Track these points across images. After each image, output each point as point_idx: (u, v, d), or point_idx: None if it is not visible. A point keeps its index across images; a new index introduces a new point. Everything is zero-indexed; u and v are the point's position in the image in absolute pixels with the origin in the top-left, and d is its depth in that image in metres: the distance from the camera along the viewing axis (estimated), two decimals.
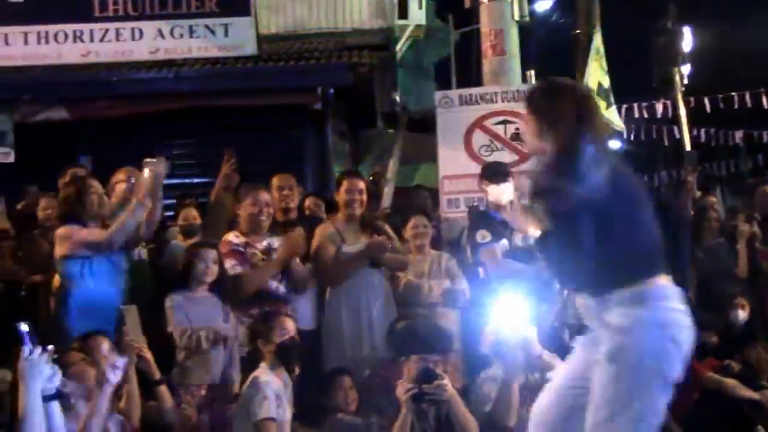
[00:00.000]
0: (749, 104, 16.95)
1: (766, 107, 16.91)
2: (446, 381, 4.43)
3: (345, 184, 5.52)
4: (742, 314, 5.98)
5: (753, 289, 6.32)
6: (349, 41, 11.05)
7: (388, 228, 5.68)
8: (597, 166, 2.87)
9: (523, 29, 9.41)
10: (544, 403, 3.08)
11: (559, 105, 3.04)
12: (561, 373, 3.15)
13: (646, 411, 2.84)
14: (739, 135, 20.41)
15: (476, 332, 4.81)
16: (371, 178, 8.64)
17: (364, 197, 5.54)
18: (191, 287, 4.88)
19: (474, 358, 5.08)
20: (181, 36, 9.72)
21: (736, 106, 16.99)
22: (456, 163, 7.19)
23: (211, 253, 4.93)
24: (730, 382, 5.35)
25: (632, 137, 18.30)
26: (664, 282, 2.96)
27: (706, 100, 16.78)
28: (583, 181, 2.82)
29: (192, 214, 6.10)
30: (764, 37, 24.37)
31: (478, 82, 8.64)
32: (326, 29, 11.81)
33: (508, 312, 4.34)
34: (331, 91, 9.29)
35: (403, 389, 4.40)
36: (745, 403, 5.28)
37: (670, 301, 2.94)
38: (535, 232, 3.11)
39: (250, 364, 4.61)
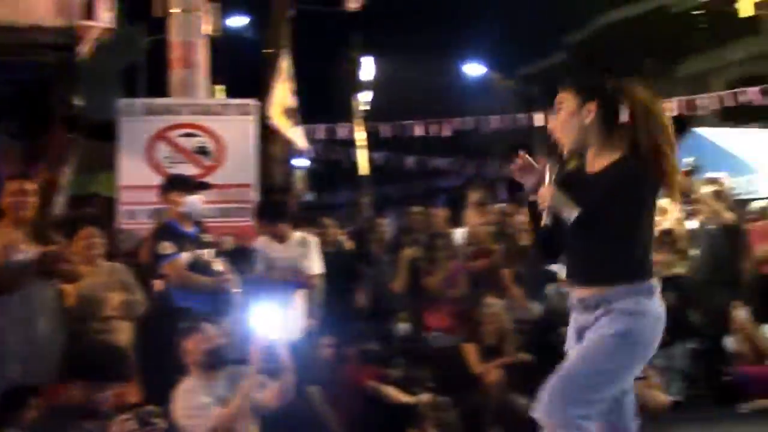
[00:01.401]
0: (422, 132, 18.43)
1: (434, 136, 18.50)
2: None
3: (11, 187, 5.16)
4: (404, 327, 6.50)
5: (413, 305, 6.87)
6: (28, 38, 10.32)
7: (58, 237, 5.40)
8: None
9: (214, 43, 9.43)
10: None
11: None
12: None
13: (616, 377, 3.15)
14: (412, 160, 22.16)
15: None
16: (43, 184, 8.14)
17: (33, 201, 5.19)
18: None
19: None
20: None
21: (410, 134, 18.39)
22: (137, 173, 7.05)
23: None
24: (388, 388, 5.79)
25: (316, 157, 19.11)
26: (656, 281, 3.24)
27: (384, 126, 17.97)
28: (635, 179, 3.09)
29: None
30: (434, 72, 26.62)
31: (167, 92, 8.53)
32: (3, 23, 10.94)
33: (261, 320, 4.39)
34: (4, 89, 8.63)
35: None
36: (400, 408, 5.74)
37: (658, 296, 3.23)
38: (571, 213, 3.14)
39: None
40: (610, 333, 3.12)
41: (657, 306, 3.18)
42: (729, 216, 7.50)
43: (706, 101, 17.77)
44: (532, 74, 31.06)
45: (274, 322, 4.41)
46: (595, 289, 3.20)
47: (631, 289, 3.15)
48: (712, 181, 7.63)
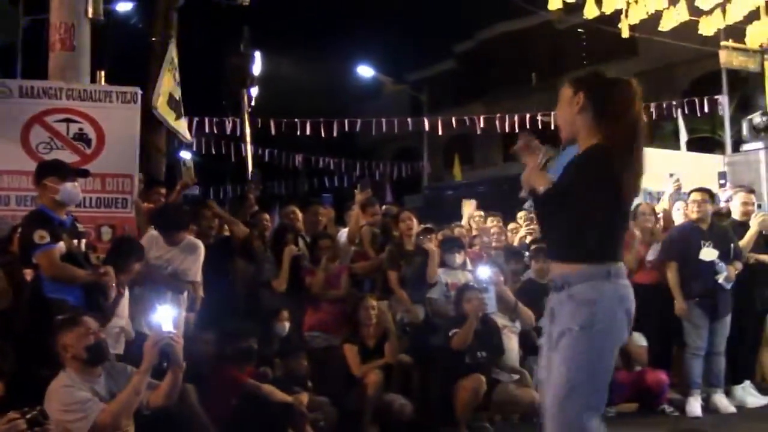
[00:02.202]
0: (309, 131, 18.38)
1: (323, 135, 18.51)
2: None
3: None
4: (285, 326, 6.43)
5: (294, 304, 6.81)
6: None
7: None
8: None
9: (98, 27, 9.09)
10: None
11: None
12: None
13: (601, 368, 3.22)
14: (299, 158, 22.08)
15: None
16: None
17: None
18: None
19: None
20: None
21: (298, 132, 18.31)
22: (10, 157, 6.71)
23: None
24: (267, 387, 5.73)
25: (203, 150, 18.77)
26: (620, 264, 3.31)
27: (272, 123, 17.83)
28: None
29: None
30: (325, 72, 26.60)
31: (46, 74, 8.15)
32: None
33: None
34: None
35: None
36: (279, 407, 5.68)
37: (624, 278, 3.31)
38: (540, 189, 3.30)
39: None
40: (576, 329, 3.20)
41: (616, 288, 3.26)
42: None
43: None
44: (421, 80, 31.49)
45: (162, 318, 4.29)
46: (558, 268, 3.33)
47: (587, 271, 3.24)
48: None
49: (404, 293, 7.15)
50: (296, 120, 18.13)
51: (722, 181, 11.13)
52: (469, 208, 9.25)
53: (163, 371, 4.48)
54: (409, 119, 19.98)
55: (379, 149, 31.77)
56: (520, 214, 9.32)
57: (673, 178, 8.14)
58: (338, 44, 33.19)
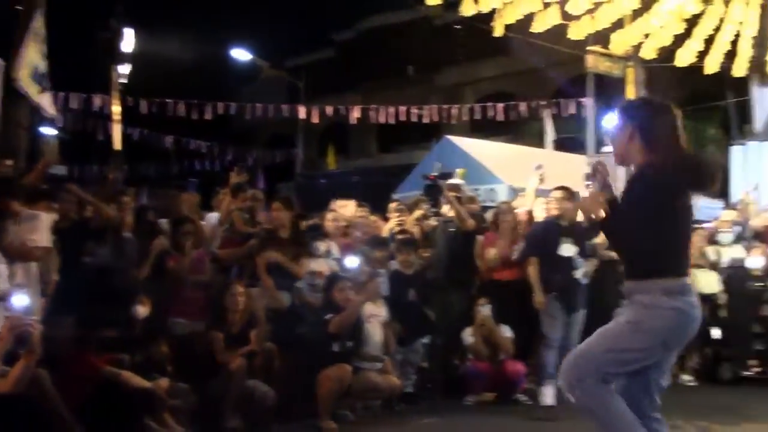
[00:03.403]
0: (182, 112, 17.96)
1: (196, 117, 18.13)
2: None
3: None
4: (142, 311, 6.28)
5: (156, 289, 6.65)
6: None
7: None
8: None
9: None
10: None
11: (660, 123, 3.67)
12: None
13: (622, 358, 3.56)
14: (170, 140, 21.54)
15: None
16: None
17: None
18: None
19: None
20: None
21: (170, 113, 17.86)
22: None
23: None
24: (125, 374, 5.58)
25: (68, 126, 18.00)
26: (681, 280, 3.59)
27: (144, 102, 17.32)
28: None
29: None
30: (202, 53, 26.02)
31: None
32: None
33: None
34: None
35: None
36: (137, 394, 5.55)
37: (687, 296, 3.57)
38: (600, 215, 3.65)
39: None
40: (625, 320, 3.60)
41: (676, 303, 3.54)
42: (470, 222, 8.00)
43: (459, 111, 18.87)
44: (299, 66, 31.31)
45: (18, 303, 4.10)
46: (626, 282, 3.67)
47: (649, 285, 3.56)
48: (455, 187, 8.09)
49: (270, 280, 7.11)
50: (168, 100, 17.68)
51: (588, 182, 11.59)
52: (346, 209, 9.23)
53: (17, 357, 4.30)
54: (284, 106, 19.84)
55: (253, 134, 31.42)
56: (392, 205, 9.44)
57: (539, 170, 8.38)
58: (217, 25, 32.53)
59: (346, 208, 8.89)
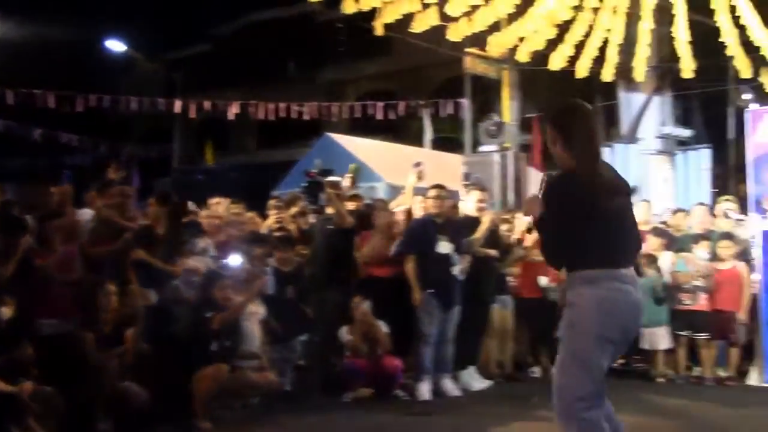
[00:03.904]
0: (53, 104, 17.22)
1: (67, 109, 17.42)
2: None
3: None
4: (5, 312, 5.99)
5: (21, 288, 6.34)
6: None
7: None
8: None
9: None
10: None
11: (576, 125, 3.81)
12: None
13: (585, 366, 3.62)
14: (38, 133, 20.61)
15: None
16: None
17: None
18: None
19: None
20: None
21: (39, 104, 17.09)
22: None
23: None
24: None
25: None
26: (611, 270, 3.68)
27: (9, 93, 16.51)
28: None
29: None
30: (73, 43, 25.04)
31: None
32: None
33: None
34: None
35: None
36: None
37: (614, 282, 3.66)
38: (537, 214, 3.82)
39: None
40: (564, 328, 3.73)
41: (598, 291, 3.63)
42: (350, 219, 8.01)
43: (340, 109, 18.91)
44: (176, 60, 30.59)
45: None
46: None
47: (571, 278, 3.73)
48: (335, 184, 8.08)
49: (134, 278, 6.89)
50: (37, 91, 16.91)
51: (466, 182, 11.84)
52: (219, 206, 9.08)
53: None
54: (160, 99, 19.32)
55: (128, 128, 30.49)
56: (271, 202, 9.36)
57: (418, 168, 8.48)
58: (91, 15, 31.34)
59: (218, 206, 8.78)
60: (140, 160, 23.39)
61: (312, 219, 8.51)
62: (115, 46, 24.83)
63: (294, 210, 8.73)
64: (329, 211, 7.95)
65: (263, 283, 7.16)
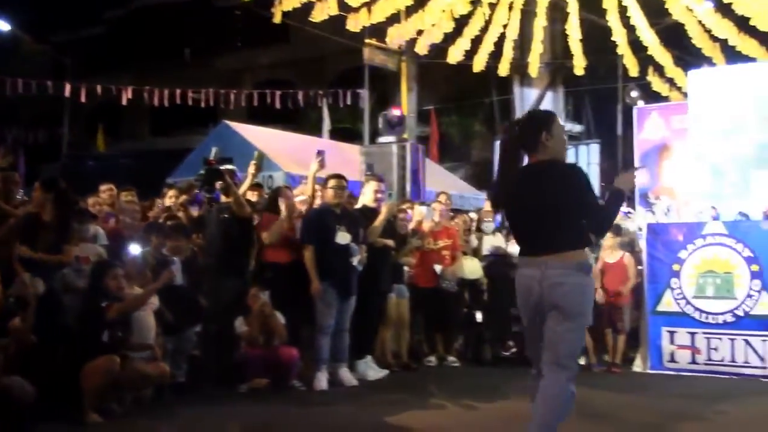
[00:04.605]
0: None
1: None
2: None
3: None
4: None
5: None
6: None
7: None
8: None
9: None
10: None
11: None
12: None
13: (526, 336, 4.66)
14: None
15: None
16: None
17: None
18: None
19: None
20: None
21: None
22: None
23: None
24: None
25: None
26: (522, 257, 4.49)
27: None
28: None
29: None
30: None
31: None
32: None
33: None
34: None
35: None
36: None
37: (519, 267, 4.50)
38: None
39: None
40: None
41: (517, 275, 4.45)
42: (247, 208, 7.88)
43: (237, 97, 18.66)
44: (67, 42, 29.50)
45: None
46: None
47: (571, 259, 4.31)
48: (231, 172, 7.93)
49: (21, 268, 6.60)
50: None
51: (368, 172, 11.88)
52: (107, 193, 8.80)
53: None
54: (49, 82, 18.59)
55: (14, 112, 29.23)
56: (167, 191, 9.17)
57: (319, 156, 8.43)
58: None
59: (106, 193, 8.55)
60: (27, 145, 22.49)
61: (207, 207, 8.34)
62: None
63: (183, 198, 8.56)
64: (226, 199, 7.81)
65: (172, 273, 6.95)
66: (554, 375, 4.20)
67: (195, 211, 8.48)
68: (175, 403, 6.81)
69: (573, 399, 4.24)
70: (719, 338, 8.31)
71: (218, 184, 7.67)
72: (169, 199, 8.86)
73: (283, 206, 7.95)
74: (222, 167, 7.69)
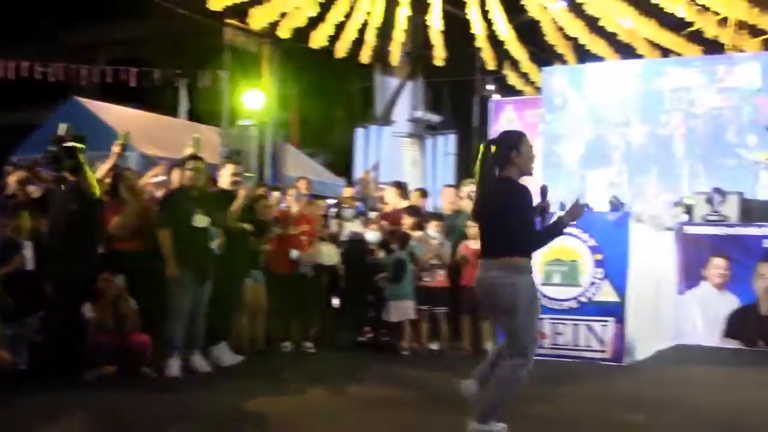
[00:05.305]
0: None
1: None
2: None
3: None
4: None
5: None
6: None
7: None
8: None
9: None
10: None
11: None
12: None
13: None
14: None
15: None
16: None
17: None
18: None
19: None
20: None
21: None
22: None
23: None
24: None
25: None
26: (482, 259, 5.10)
27: None
28: None
29: None
30: None
31: None
32: None
33: None
34: None
35: None
36: None
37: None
38: None
39: None
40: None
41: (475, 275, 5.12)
42: (98, 190, 7.53)
43: (89, 72, 17.88)
44: None
45: None
46: None
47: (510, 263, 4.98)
48: (82, 151, 7.56)
49: None
50: None
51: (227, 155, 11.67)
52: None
53: None
54: None
55: None
56: (9, 168, 8.69)
57: (195, 136, 8.15)
58: None
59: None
60: None
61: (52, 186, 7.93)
62: None
63: (20, 175, 8.11)
64: (72, 179, 7.42)
65: (23, 257, 6.55)
66: (505, 361, 4.99)
67: (35, 191, 8.04)
68: (14, 391, 6.46)
69: (518, 383, 4.98)
70: (564, 323, 8.69)
71: (68, 163, 7.29)
72: (12, 177, 8.38)
73: (125, 194, 7.67)
74: (76, 145, 7.30)
